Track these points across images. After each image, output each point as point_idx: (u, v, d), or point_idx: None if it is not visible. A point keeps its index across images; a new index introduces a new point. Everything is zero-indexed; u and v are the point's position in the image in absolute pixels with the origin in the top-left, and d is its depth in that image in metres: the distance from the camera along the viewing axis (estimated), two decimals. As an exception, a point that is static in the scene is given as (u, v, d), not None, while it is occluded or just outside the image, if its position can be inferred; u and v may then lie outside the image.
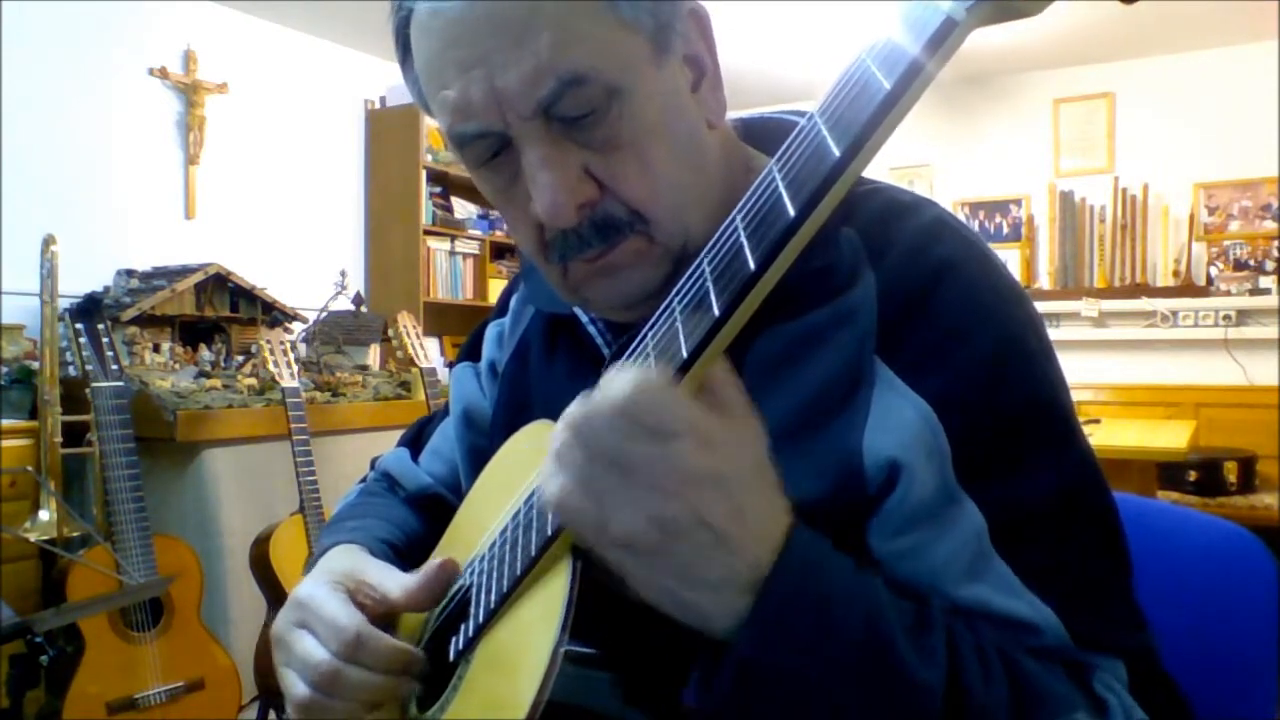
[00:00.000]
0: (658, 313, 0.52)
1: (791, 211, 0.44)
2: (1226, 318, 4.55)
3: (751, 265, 0.45)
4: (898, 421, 0.59)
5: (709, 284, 0.48)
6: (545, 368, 0.79)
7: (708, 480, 0.46)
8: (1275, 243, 4.61)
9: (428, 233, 4.58)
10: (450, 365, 4.37)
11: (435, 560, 0.66)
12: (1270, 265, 4.61)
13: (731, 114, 0.73)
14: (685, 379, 0.47)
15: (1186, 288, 4.67)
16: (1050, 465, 0.60)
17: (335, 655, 0.63)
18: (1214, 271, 4.71)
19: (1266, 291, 4.52)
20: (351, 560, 0.72)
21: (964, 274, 0.62)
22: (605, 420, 0.45)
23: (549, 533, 0.55)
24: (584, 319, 0.75)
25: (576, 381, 0.68)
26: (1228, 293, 4.61)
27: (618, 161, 0.62)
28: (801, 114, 0.45)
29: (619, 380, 0.45)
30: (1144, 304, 4.71)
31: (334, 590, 0.66)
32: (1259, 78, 4.47)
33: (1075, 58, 4.77)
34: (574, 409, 0.47)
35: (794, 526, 0.50)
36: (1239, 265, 4.68)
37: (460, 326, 4.88)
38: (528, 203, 0.64)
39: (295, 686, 0.65)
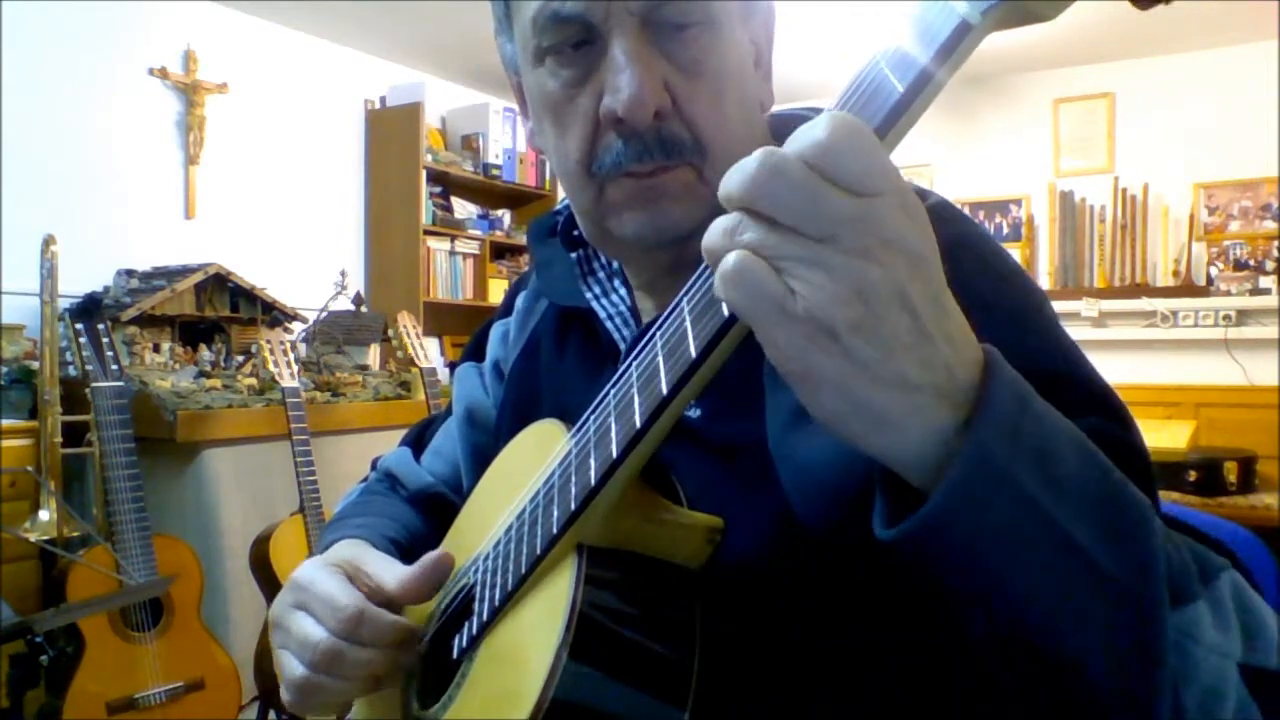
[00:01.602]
0: (668, 311, 0.52)
1: None
2: (1226, 318, 4.55)
3: None
4: None
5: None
6: (556, 363, 0.79)
7: (910, 252, 0.40)
8: (1275, 243, 4.61)
9: (428, 233, 4.58)
10: (450, 365, 4.38)
11: (432, 554, 0.66)
12: (1270, 265, 4.61)
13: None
14: None
15: (1186, 288, 4.67)
16: (1087, 416, 0.59)
17: (335, 634, 0.63)
18: (1214, 271, 4.71)
19: (1266, 291, 4.52)
20: (352, 550, 0.72)
21: (977, 250, 0.64)
22: (800, 172, 0.39)
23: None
24: (601, 313, 0.74)
25: (589, 376, 0.68)
26: (1228, 293, 4.61)
27: (696, 86, 0.63)
28: (818, 111, 0.44)
29: (817, 127, 0.39)
30: (1144, 304, 4.71)
31: (332, 571, 0.67)
32: (1259, 78, 4.47)
33: (1075, 58, 4.77)
34: (759, 167, 0.40)
35: (988, 349, 0.43)
36: (1239, 265, 4.68)
37: (460, 326, 4.88)
38: (592, 102, 0.63)
39: (293, 668, 0.65)
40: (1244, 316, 4.56)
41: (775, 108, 0.76)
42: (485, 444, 0.82)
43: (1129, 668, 0.43)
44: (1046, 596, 0.42)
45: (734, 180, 0.40)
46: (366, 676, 0.63)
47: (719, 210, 0.65)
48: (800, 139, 0.40)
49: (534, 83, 0.68)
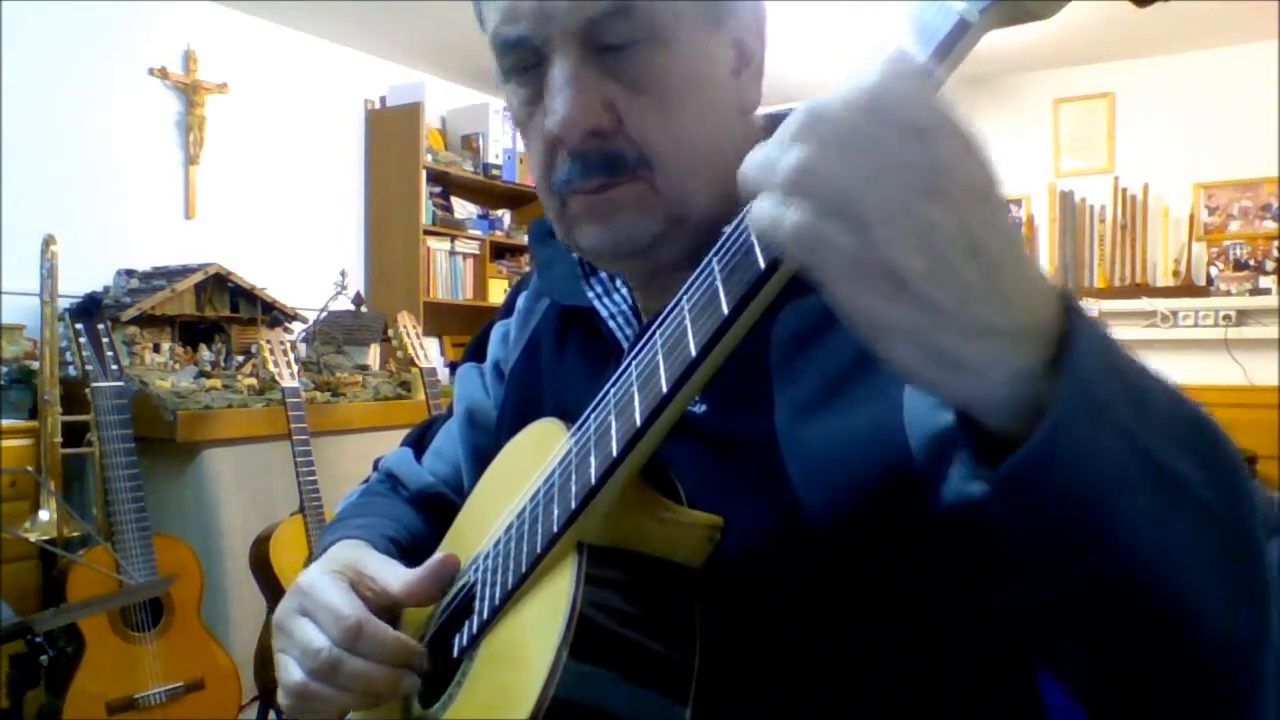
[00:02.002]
0: (668, 309, 0.51)
1: None
2: (1226, 318, 4.55)
3: (761, 264, 0.45)
4: None
5: (718, 282, 0.47)
6: (557, 362, 0.79)
7: (978, 193, 0.39)
8: (1275, 243, 4.61)
9: (428, 233, 4.57)
10: (450, 365, 4.38)
11: (437, 555, 0.66)
12: (1270, 265, 4.61)
13: (761, 109, 0.74)
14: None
15: (1186, 288, 4.67)
16: None
17: (336, 643, 0.63)
18: (1214, 271, 4.71)
19: (1266, 291, 4.52)
20: (354, 553, 0.72)
21: None
22: (859, 117, 0.38)
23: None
24: (603, 312, 0.74)
25: (590, 375, 0.68)
26: (1228, 293, 4.61)
27: (642, 103, 0.63)
28: None
29: (866, 72, 0.38)
30: (1144, 304, 4.71)
31: (336, 579, 0.67)
32: (1259, 78, 4.47)
33: (1075, 58, 4.77)
34: (803, 110, 0.39)
35: (1062, 289, 0.42)
36: (1239, 265, 4.69)
37: (460, 326, 4.88)
38: (544, 122, 0.64)
39: (292, 673, 0.65)
40: (1244, 316, 4.55)
41: (772, 108, 0.76)
42: (486, 444, 0.82)
43: (1235, 601, 0.42)
44: (1149, 531, 0.41)
45: (794, 119, 0.39)
46: (363, 691, 0.63)
47: (679, 223, 0.66)
48: (849, 85, 0.38)
49: (506, 98, 0.69)
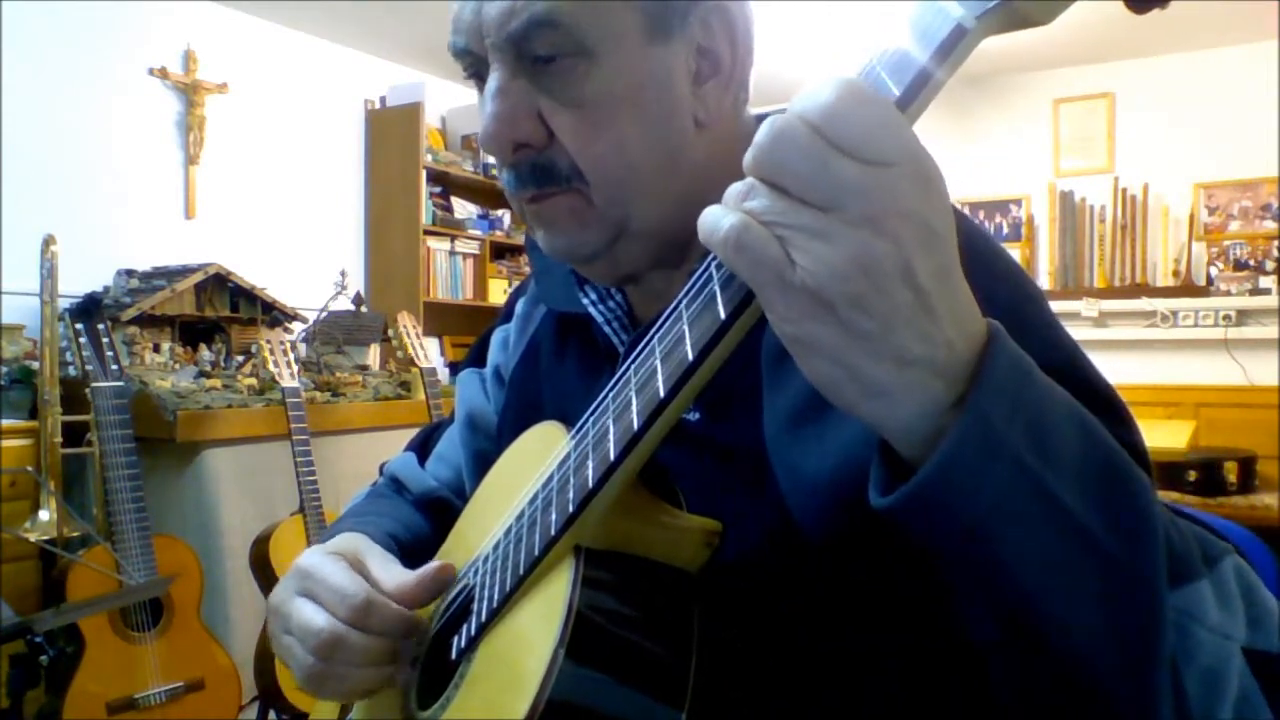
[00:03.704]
0: (665, 313, 0.52)
1: None
2: (1226, 318, 4.55)
3: None
4: None
5: (716, 286, 0.47)
6: (556, 367, 0.79)
7: (920, 225, 0.38)
8: (1275, 243, 4.61)
9: (428, 233, 4.58)
10: (450, 365, 4.37)
11: (434, 564, 0.67)
12: (1270, 265, 4.61)
13: (755, 109, 0.72)
14: (714, 354, 0.46)
15: (1186, 288, 4.67)
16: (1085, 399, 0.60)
17: (344, 621, 0.63)
18: (1214, 271, 4.71)
19: (1266, 291, 4.52)
20: (354, 543, 0.72)
21: (976, 249, 0.63)
22: (805, 137, 0.38)
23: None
24: (598, 318, 0.74)
25: (588, 380, 0.68)
26: (1228, 293, 4.61)
27: (572, 117, 0.63)
28: None
29: (822, 91, 0.38)
30: (1144, 304, 4.71)
31: (336, 560, 0.67)
32: (1259, 78, 4.47)
33: (1075, 58, 4.77)
34: (765, 132, 0.39)
35: (991, 323, 0.43)
36: (1239, 265, 4.69)
37: (460, 326, 4.88)
38: None
39: (298, 655, 0.66)
40: (1244, 316, 4.56)
41: (764, 108, 0.75)
42: (487, 449, 0.82)
43: (1126, 643, 0.43)
44: (1041, 569, 0.42)
45: (750, 149, 0.40)
46: (366, 664, 0.64)
47: (622, 235, 0.66)
48: (805, 102, 0.39)
49: None
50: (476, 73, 0.67)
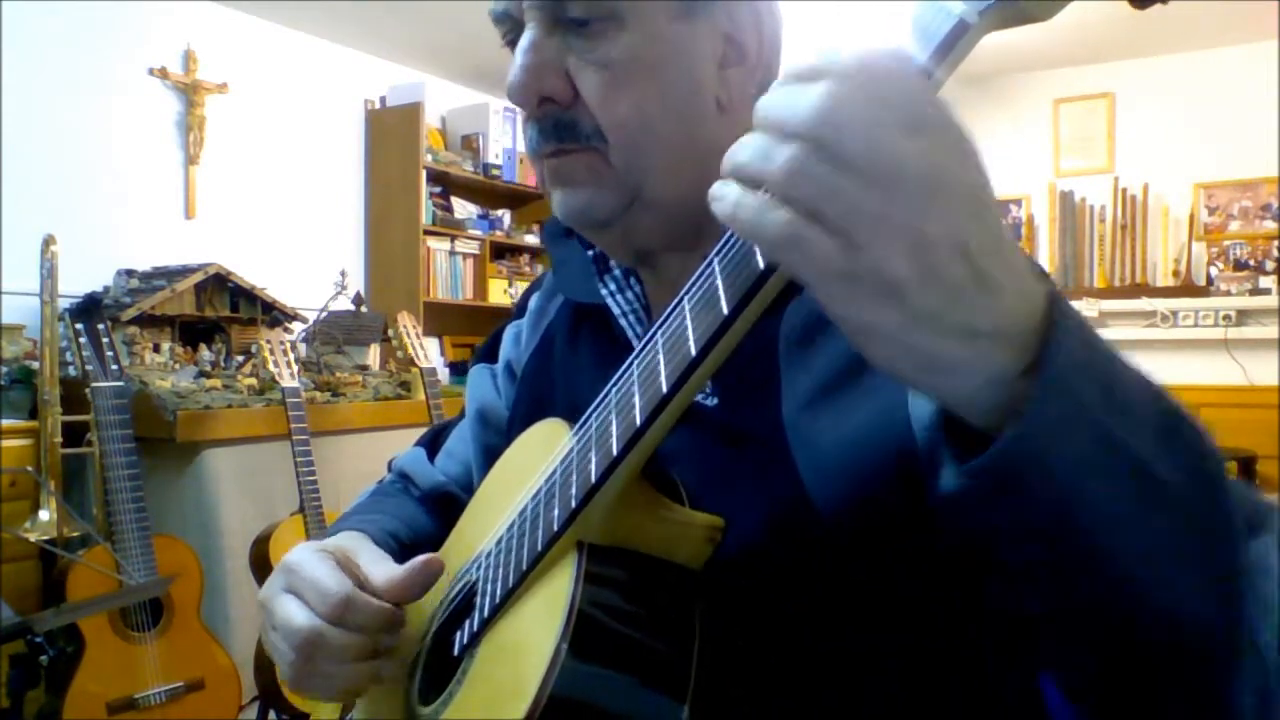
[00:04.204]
0: (669, 308, 0.52)
1: None
2: (1226, 318, 4.55)
3: (760, 264, 0.45)
4: None
5: (718, 281, 0.47)
6: (570, 360, 0.79)
7: (970, 196, 0.38)
8: (1275, 243, 4.62)
9: (428, 233, 4.58)
10: (450, 365, 4.37)
11: (422, 557, 0.67)
12: (1270, 265, 4.61)
13: None
14: (706, 363, 0.46)
15: (1186, 288, 4.68)
16: None
17: (324, 618, 0.63)
18: (1214, 271, 4.71)
19: (1266, 291, 4.53)
20: (348, 541, 0.73)
21: None
22: (851, 112, 0.36)
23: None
24: (615, 310, 0.75)
25: (602, 373, 0.69)
26: (1228, 293, 4.62)
27: (598, 77, 0.65)
28: None
29: (861, 60, 0.37)
30: (1144, 304, 4.71)
31: (323, 556, 0.67)
32: (1259, 78, 4.47)
33: (1075, 58, 4.77)
34: (813, 92, 0.37)
35: (1049, 287, 0.42)
36: (1239, 265, 4.69)
37: (460, 326, 4.88)
38: None
39: (281, 652, 0.66)
40: (1244, 316, 4.56)
41: None
42: (497, 444, 0.83)
43: (1210, 598, 0.42)
44: (1124, 527, 0.41)
45: (799, 107, 0.37)
46: (347, 660, 0.64)
47: (636, 201, 0.67)
48: (846, 67, 0.37)
49: None
50: (514, 38, 0.68)
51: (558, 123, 0.67)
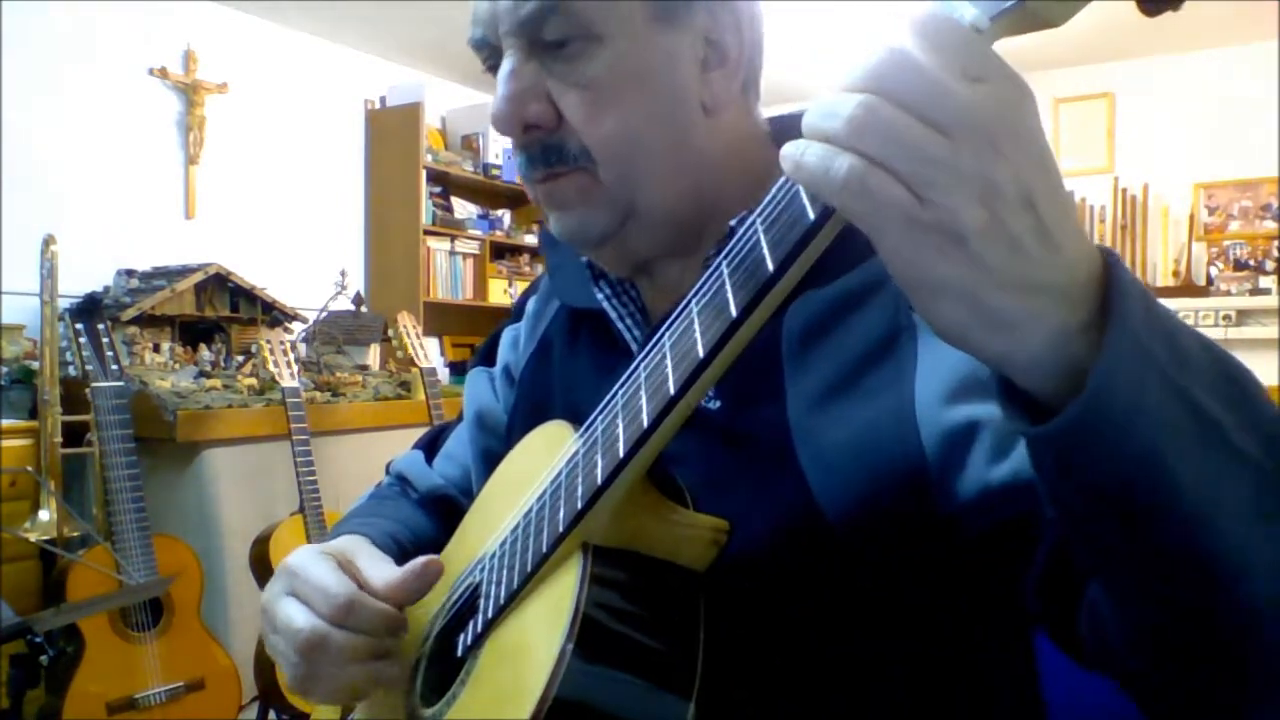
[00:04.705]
0: (675, 311, 0.51)
1: (811, 215, 0.43)
2: (1226, 318, 4.55)
3: (770, 267, 0.45)
4: (948, 364, 0.59)
5: (726, 284, 0.47)
6: (568, 364, 0.79)
7: (1032, 144, 0.38)
8: (1275, 243, 4.61)
9: (428, 233, 4.58)
10: (450, 365, 4.37)
11: (421, 558, 0.66)
12: (1270, 265, 4.61)
13: (768, 111, 0.74)
14: (708, 372, 0.46)
15: (1186, 288, 4.68)
16: None
17: (327, 620, 0.63)
18: (1214, 271, 4.71)
19: (1266, 291, 4.52)
20: (349, 544, 0.73)
21: None
22: (915, 62, 0.36)
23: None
24: (612, 314, 0.75)
25: (601, 377, 0.69)
26: (1228, 293, 4.61)
27: (579, 97, 0.65)
28: None
29: (913, 21, 0.37)
30: (1144, 304, 4.70)
31: (324, 559, 0.67)
32: (1259, 78, 4.47)
33: (1075, 58, 4.77)
34: (873, 55, 0.37)
35: (1102, 246, 0.41)
36: (1239, 265, 4.69)
37: (460, 326, 4.88)
38: None
39: (284, 654, 0.66)
40: (1244, 316, 4.56)
41: (776, 111, 0.75)
42: (495, 448, 0.82)
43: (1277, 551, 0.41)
44: (1200, 484, 0.40)
45: (856, 68, 0.38)
46: (350, 662, 0.63)
47: (630, 216, 0.67)
48: (906, 31, 0.37)
49: None
50: (494, 64, 0.68)
51: (545, 147, 0.67)
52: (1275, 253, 4.61)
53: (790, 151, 0.39)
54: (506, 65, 0.66)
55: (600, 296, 0.75)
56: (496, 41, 0.66)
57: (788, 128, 0.74)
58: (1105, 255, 0.41)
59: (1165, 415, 0.39)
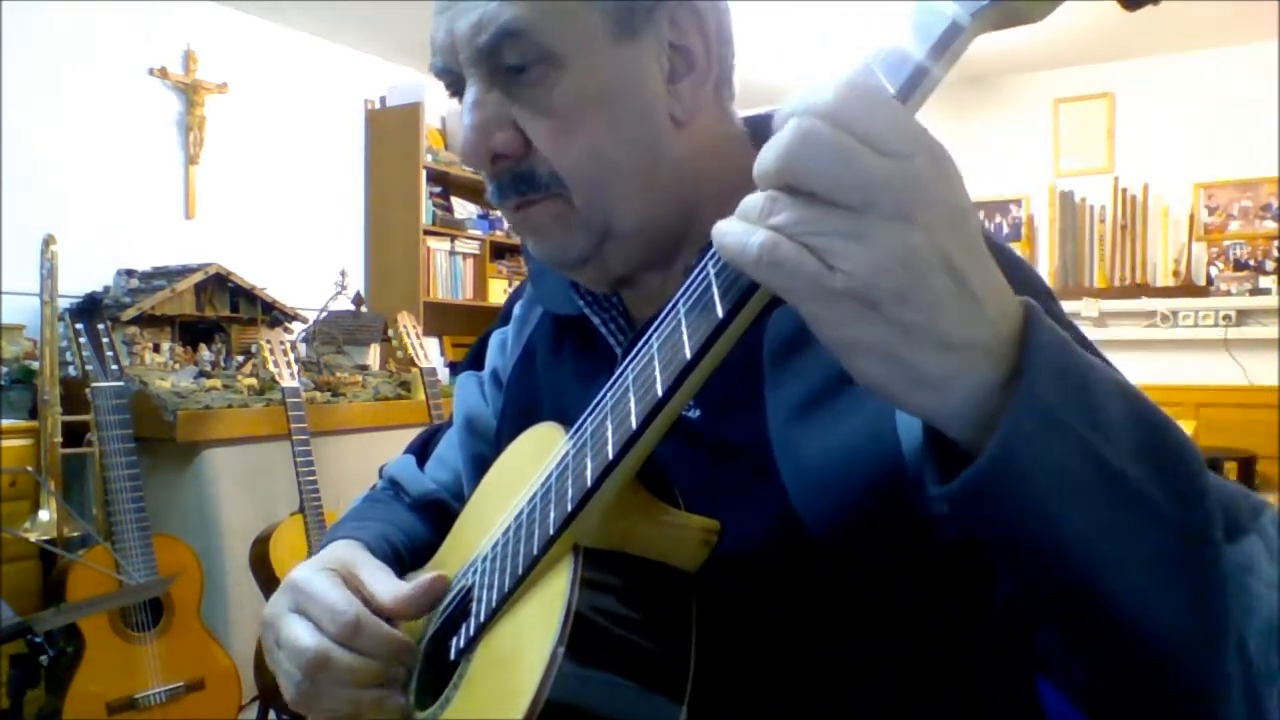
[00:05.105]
0: (662, 313, 0.52)
1: None
2: (1226, 318, 4.55)
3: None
4: None
5: (713, 286, 0.47)
6: (553, 369, 0.79)
7: (949, 209, 0.39)
8: (1275, 243, 4.61)
9: (428, 233, 4.58)
10: (450, 365, 4.37)
11: (430, 574, 0.67)
12: (1270, 265, 4.61)
13: (744, 112, 0.72)
14: (692, 376, 0.47)
15: (1186, 288, 4.68)
16: None
17: (333, 639, 0.63)
18: (1214, 271, 4.71)
19: (1266, 291, 4.52)
20: (349, 553, 0.72)
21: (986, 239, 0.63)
22: (830, 135, 0.38)
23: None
24: (595, 320, 0.74)
25: (585, 382, 0.68)
26: (1228, 293, 4.61)
27: (545, 124, 0.64)
28: None
29: (828, 91, 0.38)
30: (1144, 304, 4.71)
31: (330, 576, 0.67)
32: (1259, 78, 4.47)
33: (1075, 58, 4.77)
34: (787, 136, 0.38)
35: (1025, 300, 0.43)
36: (1239, 265, 4.69)
37: (460, 326, 4.88)
38: None
39: (287, 672, 0.65)
40: (1244, 316, 4.56)
41: (753, 110, 0.75)
42: (485, 452, 0.82)
43: (1191, 605, 0.43)
44: (1105, 541, 0.41)
45: (768, 155, 0.39)
46: (354, 685, 0.63)
47: (606, 238, 0.66)
48: (812, 102, 0.38)
49: None
50: (457, 91, 0.67)
51: (515, 176, 0.66)
52: (1275, 253, 4.61)
53: (715, 229, 0.41)
54: (469, 95, 0.64)
55: (582, 303, 0.75)
56: (457, 69, 0.65)
57: (765, 126, 0.73)
58: (1025, 310, 0.42)
59: (1069, 475, 0.41)
